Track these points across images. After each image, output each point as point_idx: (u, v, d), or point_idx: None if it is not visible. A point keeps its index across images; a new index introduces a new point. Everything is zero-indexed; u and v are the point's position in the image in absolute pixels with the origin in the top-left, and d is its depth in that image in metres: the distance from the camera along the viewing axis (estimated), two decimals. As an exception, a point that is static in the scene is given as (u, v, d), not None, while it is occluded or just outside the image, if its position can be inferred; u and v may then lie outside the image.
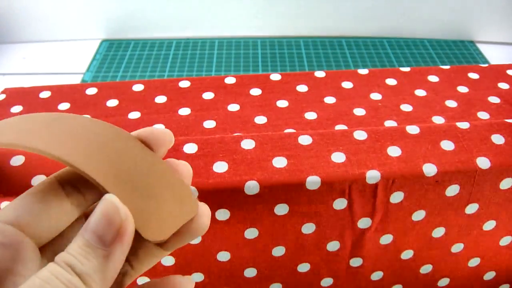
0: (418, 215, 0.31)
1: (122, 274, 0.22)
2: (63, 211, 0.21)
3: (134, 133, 0.23)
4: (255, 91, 0.38)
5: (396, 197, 0.30)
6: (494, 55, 0.78)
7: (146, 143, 0.23)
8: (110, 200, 0.19)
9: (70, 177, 0.21)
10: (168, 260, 0.32)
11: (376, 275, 0.35)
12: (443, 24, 0.81)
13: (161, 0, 0.78)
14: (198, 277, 0.33)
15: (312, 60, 0.77)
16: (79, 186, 0.21)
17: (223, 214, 0.29)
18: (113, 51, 0.78)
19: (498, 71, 0.41)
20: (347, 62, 0.77)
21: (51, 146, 0.20)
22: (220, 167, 0.29)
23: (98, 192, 0.20)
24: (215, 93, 0.38)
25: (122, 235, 0.19)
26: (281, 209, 0.30)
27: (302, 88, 0.39)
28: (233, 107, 0.37)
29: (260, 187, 0.28)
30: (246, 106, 0.37)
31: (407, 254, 0.34)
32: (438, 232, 0.33)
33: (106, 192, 0.20)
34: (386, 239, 0.33)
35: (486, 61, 0.77)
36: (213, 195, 0.28)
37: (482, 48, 0.80)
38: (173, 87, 0.39)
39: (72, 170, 0.21)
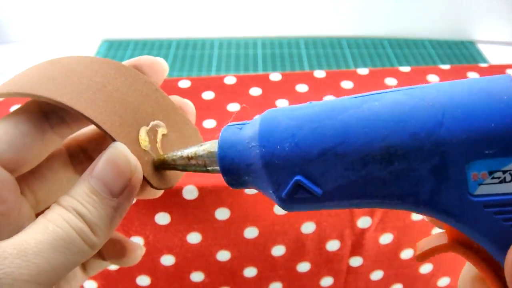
0: (418, 215, 0.31)
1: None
2: (45, 142, 0.20)
3: (128, 62, 0.22)
4: (255, 91, 0.38)
5: (396, 196, 0.30)
6: (494, 55, 0.78)
7: (140, 69, 0.22)
8: (119, 150, 0.19)
9: (56, 108, 0.20)
10: (168, 260, 0.32)
11: (376, 275, 0.35)
12: (443, 24, 0.81)
13: (161, 0, 0.78)
14: (198, 276, 0.33)
15: (312, 60, 0.77)
16: (65, 116, 0.20)
17: (223, 213, 0.29)
18: (113, 51, 0.78)
19: (498, 71, 0.41)
20: (347, 62, 0.77)
21: (54, 92, 0.19)
22: (220, 166, 0.29)
23: (86, 121, 0.19)
24: (215, 93, 0.38)
25: (131, 187, 0.19)
26: (281, 209, 0.30)
27: (302, 88, 0.39)
28: (233, 107, 0.37)
29: (260, 186, 0.28)
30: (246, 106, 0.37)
31: (407, 254, 0.34)
32: (438, 231, 0.33)
33: (113, 139, 0.19)
34: (386, 238, 0.33)
35: (486, 61, 0.77)
36: (213, 194, 0.28)
37: (482, 48, 0.80)
38: (173, 87, 0.39)
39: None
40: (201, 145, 0.20)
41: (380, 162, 0.16)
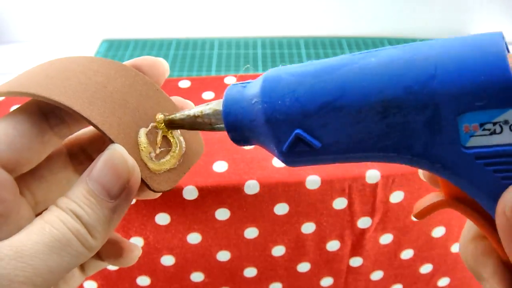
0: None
1: None
2: (45, 142, 0.20)
3: (129, 62, 0.22)
4: (255, 91, 0.38)
5: (396, 196, 0.30)
6: (494, 55, 0.78)
7: (141, 70, 0.22)
8: (118, 152, 0.18)
9: (55, 108, 0.20)
10: (168, 260, 0.32)
11: (376, 275, 0.35)
12: (443, 24, 0.81)
13: (161, 0, 0.78)
14: (198, 276, 0.33)
15: (312, 60, 0.77)
16: (64, 116, 0.20)
17: (223, 214, 0.29)
18: (113, 51, 0.78)
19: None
20: (347, 62, 0.77)
21: (52, 91, 0.19)
22: (220, 166, 0.29)
23: (85, 122, 0.19)
24: (215, 93, 0.38)
25: (130, 189, 0.18)
26: (281, 209, 0.30)
27: (302, 88, 0.39)
28: (233, 107, 0.37)
29: (260, 186, 0.28)
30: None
31: (407, 254, 0.34)
32: (438, 232, 0.33)
33: (111, 141, 0.19)
34: (386, 238, 0.33)
35: (486, 61, 0.77)
36: (213, 194, 0.28)
37: (482, 48, 0.80)
38: (173, 87, 0.39)
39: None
40: (207, 104, 0.20)
41: (376, 115, 0.16)
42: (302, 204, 0.29)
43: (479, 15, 0.80)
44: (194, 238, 0.31)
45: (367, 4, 0.80)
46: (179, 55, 0.78)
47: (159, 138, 0.21)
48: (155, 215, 0.29)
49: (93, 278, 0.32)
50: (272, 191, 0.28)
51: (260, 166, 0.29)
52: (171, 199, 0.28)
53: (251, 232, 0.31)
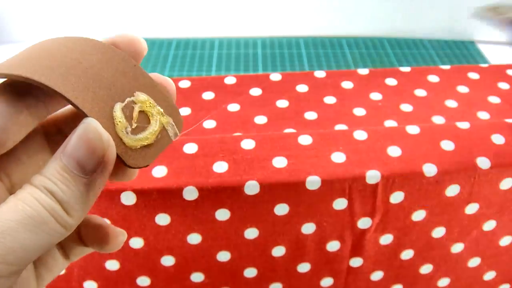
0: (418, 215, 0.31)
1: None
2: (20, 123, 0.19)
3: (106, 39, 0.22)
4: (255, 91, 0.38)
5: (396, 197, 0.30)
6: (494, 55, 0.78)
7: (118, 47, 0.22)
8: (92, 126, 0.18)
9: (32, 88, 0.19)
10: (168, 260, 0.32)
11: (376, 275, 0.35)
12: (443, 24, 0.81)
13: (161, 0, 0.78)
14: (198, 277, 0.33)
15: (312, 60, 0.77)
16: (40, 96, 0.20)
17: (223, 214, 0.29)
18: (113, 51, 0.78)
19: (498, 71, 0.41)
20: (347, 62, 0.77)
21: (24, 69, 0.18)
22: (220, 167, 0.29)
23: (62, 101, 0.19)
24: (215, 93, 0.38)
25: (105, 163, 0.18)
26: (281, 209, 0.30)
27: (302, 88, 0.39)
28: (233, 107, 0.36)
29: (260, 187, 0.28)
30: (246, 106, 0.37)
31: (407, 254, 0.34)
32: (438, 232, 0.33)
33: (85, 115, 0.18)
34: (386, 239, 0.33)
35: (486, 61, 0.77)
36: (213, 195, 0.28)
37: (482, 48, 0.80)
38: (173, 87, 0.39)
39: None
40: None
41: None
42: (302, 204, 0.29)
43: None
44: (194, 238, 0.31)
45: (367, 4, 0.80)
46: (179, 55, 0.78)
47: (135, 114, 0.21)
48: (155, 216, 0.29)
49: (93, 278, 0.32)
50: (272, 192, 0.28)
51: (260, 166, 0.29)
52: (171, 200, 0.28)
53: (251, 233, 0.31)
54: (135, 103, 0.21)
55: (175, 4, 0.79)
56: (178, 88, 0.39)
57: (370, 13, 0.80)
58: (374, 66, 0.75)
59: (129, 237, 0.30)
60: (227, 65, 0.76)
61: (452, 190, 0.30)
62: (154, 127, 0.21)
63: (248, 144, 0.30)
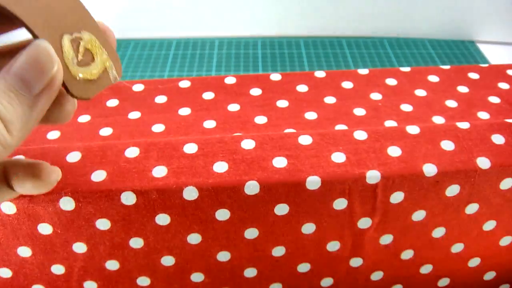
0: (418, 215, 0.31)
1: None
2: None
3: None
4: (255, 91, 0.38)
5: (396, 197, 0.30)
6: (494, 55, 0.78)
7: None
8: (43, 47, 0.18)
9: None
10: (168, 260, 0.32)
11: (376, 275, 0.35)
12: (443, 24, 0.81)
13: (161, 0, 0.78)
14: (198, 277, 0.33)
15: (312, 60, 0.77)
16: None
17: (223, 214, 0.29)
18: (113, 51, 0.78)
19: (498, 71, 0.41)
20: (347, 62, 0.77)
21: None
22: (220, 167, 0.29)
23: (14, 25, 0.20)
24: (215, 93, 0.38)
25: (52, 86, 0.18)
26: (281, 209, 0.30)
27: (302, 88, 0.39)
28: (233, 107, 0.37)
29: (260, 187, 0.28)
30: (246, 106, 0.37)
31: (407, 254, 0.34)
32: (438, 232, 0.33)
33: (36, 36, 0.19)
34: (386, 239, 0.33)
35: (486, 61, 0.77)
36: (213, 195, 0.28)
37: (482, 48, 0.80)
38: (173, 87, 0.39)
39: None
40: None
41: None
42: (302, 204, 0.29)
43: (479, 15, 0.80)
44: (194, 238, 0.31)
45: (367, 4, 0.80)
46: (179, 55, 0.78)
47: (81, 49, 0.22)
48: (155, 216, 0.29)
49: (93, 278, 0.32)
50: (272, 192, 0.28)
51: (260, 166, 0.29)
52: (171, 200, 0.28)
53: (251, 233, 0.31)
54: (81, 40, 0.22)
55: (175, 4, 0.79)
56: (178, 88, 0.39)
57: (370, 13, 0.80)
58: (374, 66, 0.75)
59: (129, 237, 0.30)
60: (227, 65, 0.76)
61: (452, 190, 0.30)
62: (97, 65, 0.22)
63: (248, 144, 0.30)
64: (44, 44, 0.18)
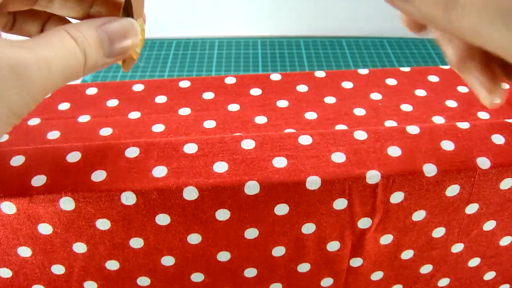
0: (418, 215, 0.31)
1: None
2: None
3: None
4: (255, 91, 0.38)
5: (396, 197, 0.30)
6: (494, 55, 0.78)
7: None
8: (134, 24, 0.23)
9: None
10: (168, 260, 0.32)
11: (376, 275, 0.35)
12: (443, 24, 0.81)
13: (161, 0, 0.78)
14: (198, 277, 0.33)
15: (312, 60, 0.77)
16: None
17: (223, 214, 0.29)
18: (113, 51, 0.78)
19: (498, 71, 0.41)
20: (347, 62, 0.77)
21: None
22: (220, 167, 0.29)
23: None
24: (215, 93, 0.38)
25: (124, 53, 0.23)
26: (281, 209, 0.30)
27: (302, 88, 0.39)
28: (233, 107, 0.37)
29: (260, 187, 0.28)
30: (246, 106, 0.37)
31: (407, 254, 0.34)
32: (438, 232, 0.33)
33: (131, 15, 0.23)
34: (386, 239, 0.33)
35: (486, 61, 0.77)
36: (213, 195, 0.28)
37: (482, 48, 0.80)
38: (173, 87, 0.39)
39: None
40: None
41: None
42: (302, 204, 0.29)
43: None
44: (194, 238, 0.31)
45: (367, 4, 0.80)
46: (179, 55, 0.78)
47: (142, 33, 0.25)
48: (155, 216, 0.29)
49: (93, 278, 0.32)
50: (272, 192, 0.28)
51: (260, 166, 0.29)
52: (171, 200, 0.28)
53: (251, 233, 0.31)
54: (142, 25, 0.25)
55: (175, 4, 0.79)
56: (178, 88, 0.39)
57: (370, 13, 0.80)
58: (374, 66, 0.75)
59: (129, 237, 0.30)
60: (227, 65, 0.76)
61: (452, 190, 0.30)
62: (140, 47, 0.25)
63: (248, 144, 0.30)
64: (134, 23, 0.23)
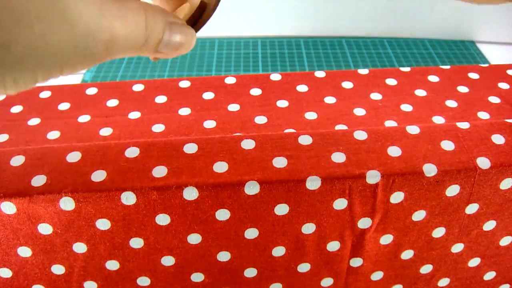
0: (418, 215, 0.31)
1: None
2: None
3: None
4: (255, 91, 0.38)
5: (396, 197, 0.30)
6: (494, 55, 0.78)
7: None
8: (191, 41, 0.24)
9: None
10: (168, 260, 0.32)
11: (376, 275, 0.35)
12: (443, 24, 0.81)
13: (161, 0, 0.78)
14: (198, 277, 0.33)
15: (312, 60, 0.77)
16: None
17: (223, 214, 0.29)
18: (113, 51, 0.78)
19: (498, 71, 0.41)
20: (347, 62, 0.77)
21: None
22: (220, 167, 0.29)
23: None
24: (215, 93, 0.38)
25: (179, 50, 0.23)
26: (281, 209, 0.30)
27: (302, 88, 0.39)
28: (233, 107, 0.37)
29: (260, 187, 0.28)
30: (246, 106, 0.37)
31: (407, 254, 0.34)
32: (438, 232, 0.33)
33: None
34: (386, 239, 0.33)
35: (486, 61, 0.77)
36: (213, 195, 0.28)
37: (482, 48, 0.80)
38: (173, 87, 0.39)
39: None
40: None
41: None
42: (302, 204, 0.29)
43: (479, 15, 0.80)
44: (194, 238, 0.31)
45: (367, 4, 0.80)
46: (179, 55, 0.78)
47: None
48: (155, 216, 0.29)
49: (93, 278, 0.32)
50: (272, 192, 0.28)
51: (260, 166, 0.29)
52: (171, 200, 0.28)
53: (251, 233, 0.31)
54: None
55: (175, 4, 0.79)
56: (178, 88, 0.39)
57: (370, 13, 0.80)
58: (374, 66, 0.75)
59: (129, 237, 0.30)
60: (227, 65, 0.76)
61: (452, 190, 0.30)
62: None
63: (248, 144, 0.30)
64: (193, 40, 0.24)
